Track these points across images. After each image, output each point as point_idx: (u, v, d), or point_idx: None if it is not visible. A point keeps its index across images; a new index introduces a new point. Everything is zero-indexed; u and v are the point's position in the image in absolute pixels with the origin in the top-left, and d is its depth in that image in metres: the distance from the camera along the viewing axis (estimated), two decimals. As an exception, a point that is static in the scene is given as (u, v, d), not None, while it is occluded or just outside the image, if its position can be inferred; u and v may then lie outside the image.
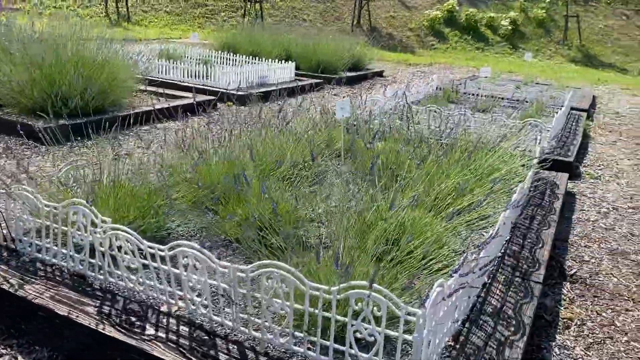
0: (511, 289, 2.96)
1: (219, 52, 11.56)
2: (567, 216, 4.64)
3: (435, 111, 6.50)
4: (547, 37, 24.52)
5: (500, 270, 3.15)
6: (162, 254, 2.37)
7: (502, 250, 3.38)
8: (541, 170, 5.25)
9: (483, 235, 3.68)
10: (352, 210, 3.13)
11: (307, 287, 2.10)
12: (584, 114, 9.26)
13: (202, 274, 2.31)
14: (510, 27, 24.06)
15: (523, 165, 4.65)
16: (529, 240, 3.60)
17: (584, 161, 6.57)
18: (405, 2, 26.12)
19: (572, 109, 9.58)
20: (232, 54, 11.31)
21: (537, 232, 3.76)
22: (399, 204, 3.26)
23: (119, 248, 2.50)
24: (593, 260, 3.80)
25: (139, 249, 2.43)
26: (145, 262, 2.45)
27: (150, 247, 2.39)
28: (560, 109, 7.68)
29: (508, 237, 3.59)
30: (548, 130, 6.19)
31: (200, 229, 3.40)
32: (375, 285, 1.99)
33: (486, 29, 24.43)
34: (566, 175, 5.22)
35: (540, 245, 3.54)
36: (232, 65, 11.04)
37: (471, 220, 3.56)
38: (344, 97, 9.70)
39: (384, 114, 6.64)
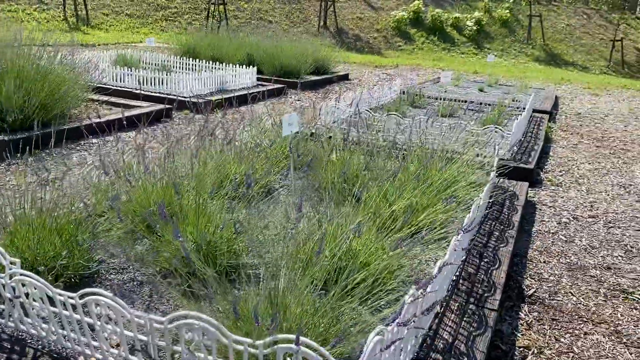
0: (465, 318, 2.79)
1: (179, 57, 11.23)
2: (526, 229, 4.52)
3: (396, 118, 6.35)
4: (512, 36, 24.78)
5: (454, 296, 2.98)
6: (73, 302, 2.12)
7: (457, 273, 3.21)
8: (501, 179, 5.14)
9: (438, 255, 3.51)
10: (293, 239, 2.92)
11: (229, 341, 1.88)
12: (546, 116, 9.25)
13: (118, 324, 2.06)
14: (475, 28, 24.23)
15: (487, 172, 4.52)
16: (486, 260, 3.45)
17: (545, 166, 6.50)
18: (372, 3, 26.06)
19: (534, 110, 9.57)
20: (192, 59, 11.00)
21: (495, 250, 3.61)
22: (346, 230, 3.07)
23: (27, 295, 2.24)
24: (552, 278, 3.68)
25: (48, 296, 2.18)
26: (56, 310, 2.19)
27: (60, 295, 2.14)
28: (521, 114, 7.62)
29: (464, 257, 3.43)
30: (508, 137, 6.10)
31: (137, 259, 3.15)
32: (304, 339, 1.78)
33: (452, 30, 24.54)
34: (526, 184, 5.11)
35: (497, 265, 3.39)
36: (193, 70, 10.74)
37: (427, 240, 3.39)
38: (297, 108, 9.50)
39: (344, 121, 6.45)
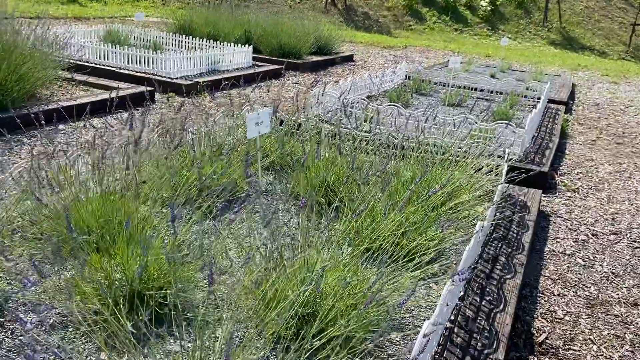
0: (458, 386, 2.21)
1: (172, 34, 10.56)
2: (538, 247, 3.91)
3: (397, 109, 5.69)
4: (527, 18, 23.75)
5: (445, 353, 2.39)
6: None
7: (452, 318, 2.62)
8: (510, 186, 4.51)
9: (431, 288, 2.92)
10: (253, 273, 2.33)
11: None
12: (563, 108, 8.54)
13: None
14: (489, 8, 23.22)
15: (497, 174, 3.90)
16: (488, 299, 2.84)
17: (561, 167, 5.85)
18: (382, -21, 25.04)
19: (550, 101, 8.86)
20: (186, 37, 10.32)
21: (500, 283, 3.01)
22: (319, 261, 2.48)
23: None
24: (568, 318, 3.07)
25: None
26: None
27: None
28: (536, 105, 6.93)
29: (461, 293, 2.83)
30: (521, 135, 5.44)
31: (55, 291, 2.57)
32: None
33: (465, 10, 23.55)
34: (539, 192, 4.48)
35: (501, 305, 2.79)
36: (186, 49, 10.08)
37: (419, 271, 2.80)
38: (299, 88, 8.83)
39: (337, 111, 5.81)
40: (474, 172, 4.06)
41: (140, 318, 2.29)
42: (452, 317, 2.62)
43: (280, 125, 4.82)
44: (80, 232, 2.61)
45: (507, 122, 5.52)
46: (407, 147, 4.23)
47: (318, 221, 3.23)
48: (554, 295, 3.29)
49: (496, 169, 4.16)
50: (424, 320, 2.58)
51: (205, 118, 4.40)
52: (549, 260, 3.72)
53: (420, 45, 17.81)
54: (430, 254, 2.76)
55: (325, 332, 2.15)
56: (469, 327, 2.56)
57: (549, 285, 3.40)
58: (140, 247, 2.48)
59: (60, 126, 5.70)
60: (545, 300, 3.22)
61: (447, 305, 2.14)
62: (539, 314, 3.09)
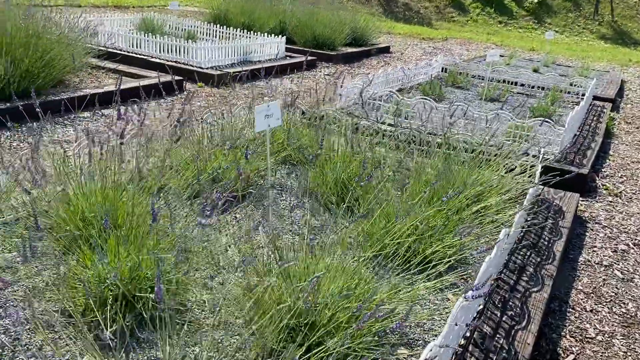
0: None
1: (206, 23, 10.50)
2: (571, 256, 3.61)
3: (429, 102, 5.42)
4: (576, 11, 22.77)
5: (457, 373, 2.17)
6: None
7: (467, 335, 2.39)
8: (545, 188, 4.20)
9: (449, 299, 2.70)
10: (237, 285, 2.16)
11: None
12: (609, 105, 8.05)
13: None
14: (536, 0, 22.36)
15: (531, 175, 3.62)
16: (510, 314, 2.60)
17: (603, 169, 5.47)
18: (425, -31, 24.45)
19: (595, 97, 8.37)
20: (220, 26, 10.24)
21: (525, 296, 2.75)
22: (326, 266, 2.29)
23: None
24: (600, 338, 2.79)
25: None
26: None
27: None
28: (579, 102, 6.53)
29: (480, 307, 2.60)
30: (560, 134, 5.09)
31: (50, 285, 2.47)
32: None
33: (510, 1, 22.74)
34: (576, 196, 4.16)
35: (524, 322, 2.54)
36: (219, 38, 9.99)
37: (435, 281, 2.58)
38: (334, 77, 8.61)
39: (363, 104, 5.59)
40: (506, 173, 3.79)
41: (127, 322, 2.16)
42: (468, 334, 2.39)
43: (302, 116, 4.64)
44: (74, 227, 2.50)
45: (543, 119, 5.18)
46: (433, 144, 3.98)
47: (332, 221, 3.05)
48: (585, 311, 3.00)
49: (530, 170, 3.87)
50: (436, 335, 2.36)
51: (227, 109, 4.27)
52: (582, 272, 3.42)
53: (461, 37, 17.29)
54: (449, 262, 2.53)
55: (322, 347, 1.97)
56: (485, 346, 2.33)
57: (581, 299, 3.11)
58: (133, 245, 2.34)
59: (86, 114, 5.69)
60: (575, 317, 2.94)
61: (459, 324, 1.92)
62: (567, 331, 2.81)
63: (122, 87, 6.29)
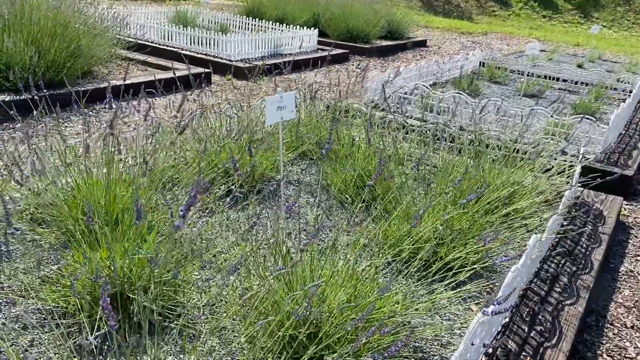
0: None
1: (239, 16, 10.43)
2: (612, 266, 3.31)
3: (462, 97, 5.14)
4: (626, 5, 21.75)
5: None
6: None
7: (489, 351, 2.16)
8: (585, 191, 3.90)
9: (471, 310, 2.47)
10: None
11: None
12: (659, 103, 7.55)
13: None
14: (583, -7, 21.48)
15: (568, 175, 3.33)
16: (539, 328, 2.35)
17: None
18: (466, -38, 23.81)
19: (643, 95, 7.88)
20: (253, 19, 10.15)
21: (556, 310, 2.49)
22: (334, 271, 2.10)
23: None
24: (640, 359, 2.51)
25: None
26: None
27: None
28: (626, 99, 6.11)
29: (506, 320, 2.36)
30: (604, 132, 4.75)
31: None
32: None
33: (556, -5, 21.92)
34: (620, 200, 3.84)
35: (554, 339, 2.29)
36: (252, 31, 9.89)
37: (457, 290, 2.36)
38: (357, 70, 8.36)
39: (385, 98, 5.34)
40: (541, 173, 3.51)
41: (121, 322, 2.02)
42: (491, 350, 2.17)
43: (327, 110, 4.45)
44: (72, 221, 2.38)
45: (583, 115, 4.83)
46: (463, 140, 3.73)
47: (347, 220, 2.85)
48: (626, 327, 2.72)
49: (569, 170, 3.58)
50: (455, 350, 2.15)
51: (247, 101, 4.12)
52: (624, 283, 3.12)
53: (502, 31, 16.73)
54: (473, 270, 2.31)
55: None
56: (509, 365, 2.10)
57: (621, 314, 2.82)
58: (130, 243, 2.21)
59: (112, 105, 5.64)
60: (614, 333, 2.66)
61: (478, 342, 1.70)
62: (604, 349, 2.54)
63: (146, 79, 6.28)
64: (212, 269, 2.32)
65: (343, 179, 3.22)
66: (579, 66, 9.64)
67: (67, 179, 2.61)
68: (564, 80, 8.08)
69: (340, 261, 2.25)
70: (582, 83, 7.97)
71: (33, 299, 2.19)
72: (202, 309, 2.08)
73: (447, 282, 2.33)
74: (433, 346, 2.20)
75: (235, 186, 2.88)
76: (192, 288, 2.19)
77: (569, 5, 21.75)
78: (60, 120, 4.85)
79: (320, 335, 1.88)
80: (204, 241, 2.44)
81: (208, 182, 2.64)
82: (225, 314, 2.05)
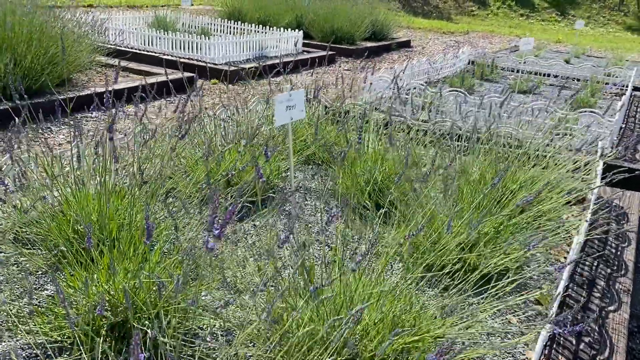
0: None
1: (220, 19, 10.15)
2: (640, 266, 3.14)
3: (460, 95, 4.96)
4: (600, 2, 22.01)
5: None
6: None
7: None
8: (601, 187, 3.72)
9: (510, 322, 2.26)
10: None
11: None
12: (652, 96, 7.50)
13: None
14: (559, -9, 21.67)
15: (585, 172, 3.15)
16: (588, 339, 2.14)
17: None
18: (443, -37, 23.87)
19: (635, 89, 7.81)
20: (234, 22, 9.89)
21: (601, 318, 2.29)
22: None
23: None
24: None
25: None
26: None
27: None
28: (619, 95, 6.02)
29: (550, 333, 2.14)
30: (610, 125, 4.61)
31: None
32: None
33: (532, -7, 22.06)
34: (637, 195, 3.68)
35: (606, 351, 2.08)
36: (234, 34, 9.63)
37: (499, 301, 2.14)
38: (347, 70, 8.16)
39: (390, 98, 5.14)
40: (561, 171, 3.32)
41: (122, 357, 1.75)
42: (540, 367, 1.95)
43: (325, 112, 4.23)
44: (63, 240, 2.11)
45: (590, 109, 4.69)
46: (474, 139, 3.53)
47: (361, 230, 2.62)
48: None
49: (584, 167, 3.40)
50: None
51: (241, 104, 3.87)
52: (657, 283, 2.95)
53: (483, 30, 16.73)
54: (513, 277, 2.09)
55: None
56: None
57: (662, 318, 2.64)
58: (133, 262, 1.94)
59: (94, 114, 5.34)
60: (659, 340, 2.48)
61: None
62: (652, 359, 2.35)
63: (128, 85, 5.99)
64: (226, 290, 2.06)
65: (356, 184, 2.99)
66: (566, 62, 9.58)
67: (54, 193, 2.33)
68: (555, 76, 7.99)
69: (369, 279, 2.01)
70: (572, 79, 7.89)
71: (21, 332, 1.91)
72: (221, 337, 1.83)
73: (487, 294, 2.11)
74: (476, 366, 1.98)
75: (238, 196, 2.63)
76: (206, 313, 1.93)
77: (545, 3, 21.93)
78: (40, 131, 4.54)
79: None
80: (215, 260, 2.18)
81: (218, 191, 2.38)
82: (246, 343, 1.80)
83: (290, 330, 1.72)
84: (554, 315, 1.64)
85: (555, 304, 1.70)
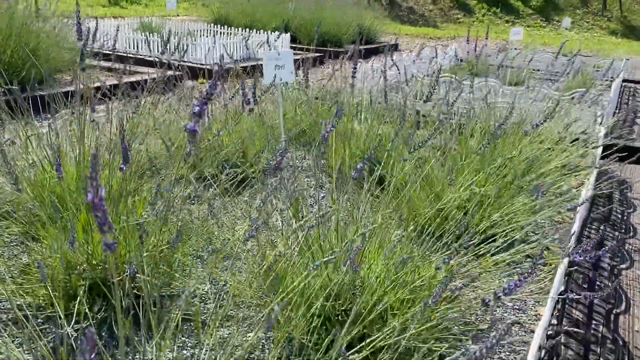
0: None
1: (207, 24, 10.10)
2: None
3: (454, 82, 4.88)
4: (584, 7, 22.26)
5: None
6: None
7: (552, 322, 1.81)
8: (599, 161, 3.63)
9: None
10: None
11: None
12: (641, 87, 7.50)
13: None
14: (543, -3, 21.92)
15: (583, 145, 3.05)
16: (602, 295, 2.02)
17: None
18: (427, -27, 24.10)
19: (624, 80, 7.81)
20: (222, 27, 9.84)
21: (613, 275, 2.17)
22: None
23: None
24: None
25: None
26: None
27: None
28: (609, 86, 5.98)
29: (562, 288, 2.02)
30: (604, 104, 4.54)
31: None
32: None
33: (516, 1, 22.29)
34: (638, 168, 3.59)
35: (622, 305, 1.96)
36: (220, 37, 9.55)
37: (505, 253, 2.01)
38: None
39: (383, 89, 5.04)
40: (557, 144, 3.23)
41: (101, 316, 1.61)
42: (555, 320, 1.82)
43: (316, 97, 4.12)
44: (40, 204, 1.96)
45: (585, 90, 4.62)
46: (472, 117, 3.43)
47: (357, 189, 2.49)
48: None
49: (582, 141, 3.31)
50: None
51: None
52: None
53: (471, 36, 16.78)
54: (522, 228, 1.97)
55: (370, 339, 1.41)
56: (582, 336, 1.75)
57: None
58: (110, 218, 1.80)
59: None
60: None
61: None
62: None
63: (114, 83, 5.87)
64: (217, 244, 1.92)
65: (350, 155, 2.86)
66: (555, 59, 9.57)
67: (32, 159, 2.19)
68: (543, 71, 7.96)
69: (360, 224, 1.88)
70: (562, 73, 7.86)
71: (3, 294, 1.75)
72: (210, 293, 1.69)
73: (490, 252, 1.98)
74: (479, 317, 1.85)
75: (227, 164, 2.50)
76: (190, 270, 1.79)
77: (529, 9, 22.15)
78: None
79: (360, 311, 1.51)
80: (199, 220, 2.04)
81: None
82: (236, 299, 1.66)
83: (285, 276, 1.58)
84: (572, 248, 1.52)
85: (573, 239, 1.58)
